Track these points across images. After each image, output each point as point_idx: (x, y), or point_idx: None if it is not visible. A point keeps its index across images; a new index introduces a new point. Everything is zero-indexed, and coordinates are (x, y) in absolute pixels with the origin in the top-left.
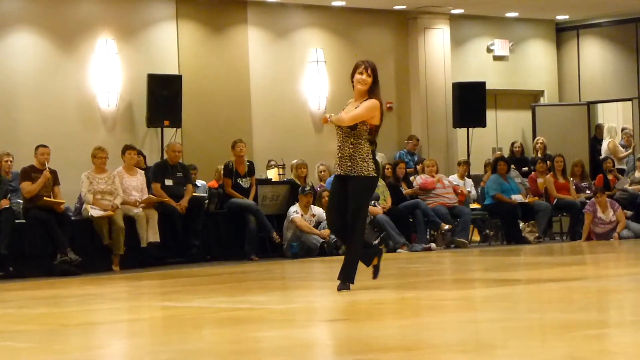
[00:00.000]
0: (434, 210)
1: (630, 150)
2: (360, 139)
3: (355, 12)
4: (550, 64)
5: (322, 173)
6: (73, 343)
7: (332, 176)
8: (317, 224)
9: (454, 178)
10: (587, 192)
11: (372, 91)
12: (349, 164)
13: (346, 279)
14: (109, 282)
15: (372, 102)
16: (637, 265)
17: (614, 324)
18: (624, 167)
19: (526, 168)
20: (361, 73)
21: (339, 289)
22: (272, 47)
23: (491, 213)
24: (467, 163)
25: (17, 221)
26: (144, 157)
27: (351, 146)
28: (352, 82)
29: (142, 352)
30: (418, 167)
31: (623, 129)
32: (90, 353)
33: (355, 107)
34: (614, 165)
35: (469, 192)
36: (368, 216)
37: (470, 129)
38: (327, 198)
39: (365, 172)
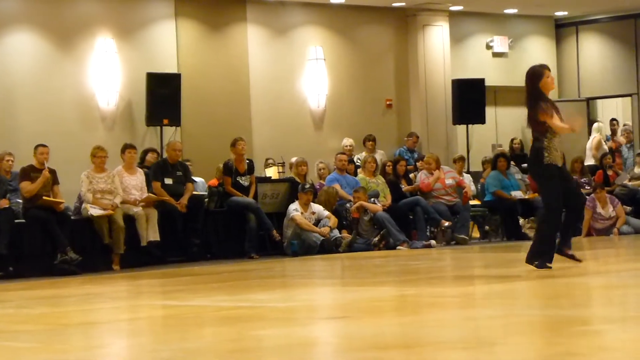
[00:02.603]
0: (433, 207)
1: (607, 145)
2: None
3: (354, 10)
4: (549, 60)
5: (322, 171)
6: (73, 342)
7: (333, 173)
8: (317, 222)
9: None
10: (586, 187)
11: None
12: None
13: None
14: (109, 281)
15: None
16: (637, 261)
17: (614, 320)
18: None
19: (526, 164)
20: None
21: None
22: (271, 45)
23: (491, 209)
24: (462, 159)
25: (16, 221)
26: (158, 153)
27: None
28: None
29: (142, 351)
30: (419, 164)
31: (623, 125)
32: (90, 352)
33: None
34: (613, 161)
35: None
36: (367, 214)
37: (470, 126)
38: (327, 194)
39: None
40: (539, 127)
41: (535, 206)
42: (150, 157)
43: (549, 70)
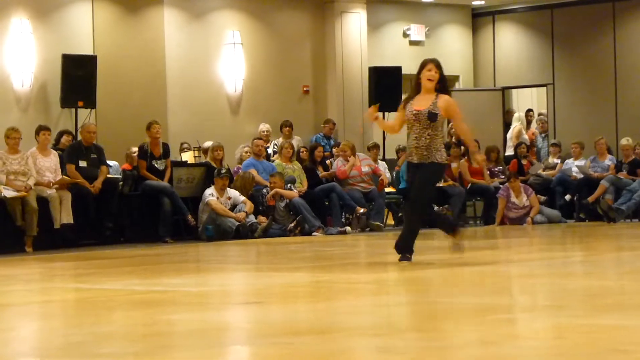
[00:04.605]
0: (349, 193)
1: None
2: (436, 131)
3: None
4: (465, 49)
5: (247, 154)
6: None
7: (250, 159)
8: (233, 207)
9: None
10: (501, 176)
11: (444, 87)
12: (425, 153)
13: (405, 250)
14: (21, 263)
15: (452, 100)
16: (549, 250)
17: (525, 309)
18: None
19: None
20: (430, 70)
21: (401, 260)
22: (188, 28)
23: (406, 197)
24: (377, 147)
25: None
26: (73, 136)
27: (428, 137)
28: (419, 79)
29: (54, 335)
30: (334, 150)
31: (539, 115)
32: (1, 335)
33: (431, 103)
34: (528, 151)
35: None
36: (283, 200)
37: (386, 114)
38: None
39: (439, 160)
40: None
41: (450, 194)
42: (65, 139)
43: (434, 64)
